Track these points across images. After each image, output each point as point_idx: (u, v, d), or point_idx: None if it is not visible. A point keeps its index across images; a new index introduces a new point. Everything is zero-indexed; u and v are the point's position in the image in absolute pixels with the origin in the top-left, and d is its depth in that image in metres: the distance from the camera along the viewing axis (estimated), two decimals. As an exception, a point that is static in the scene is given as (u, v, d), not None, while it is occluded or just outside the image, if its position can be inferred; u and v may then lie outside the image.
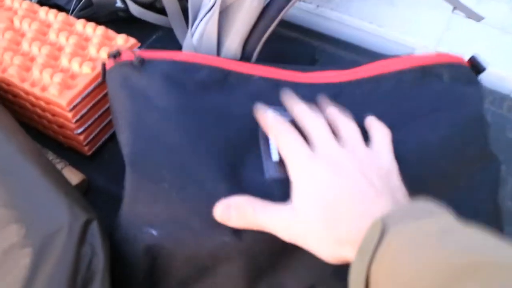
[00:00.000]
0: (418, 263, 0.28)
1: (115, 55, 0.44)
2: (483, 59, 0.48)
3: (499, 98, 0.59)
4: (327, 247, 0.34)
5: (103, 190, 0.51)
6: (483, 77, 0.62)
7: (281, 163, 0.39)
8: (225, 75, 0.45)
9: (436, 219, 0.31)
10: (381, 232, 0.30)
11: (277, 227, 0.35)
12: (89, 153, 0.53)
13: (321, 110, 0.42)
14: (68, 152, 0.54)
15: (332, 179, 0.35)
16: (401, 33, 0.66)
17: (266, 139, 0.41)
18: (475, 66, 0.48)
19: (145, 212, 0.38)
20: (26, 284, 0.34)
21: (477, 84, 0.48)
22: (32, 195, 0.39)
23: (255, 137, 0.42)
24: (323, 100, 0.43)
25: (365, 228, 0.31)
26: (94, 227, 0.38)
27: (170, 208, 0.37)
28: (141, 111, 0.41)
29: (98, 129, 0.52)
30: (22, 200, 0.38)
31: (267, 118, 0.40)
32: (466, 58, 0.48)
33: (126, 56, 0.44)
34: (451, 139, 0.43)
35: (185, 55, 0.46)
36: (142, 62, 0.43)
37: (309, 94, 0.45)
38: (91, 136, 0.52)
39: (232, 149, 0.40)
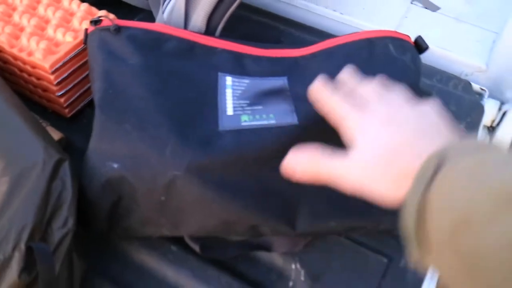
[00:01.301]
0: (475, 188, 0.28)
1: (96, 21, 0.51)
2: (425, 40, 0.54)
3: (446, 77, 0.65)
4: (390, 184, 0.34)
5: (80, 150, 0.56)
6: (436, 59, 0.69)
7: (233, 117, 0.45)
8: (191, 46, 0.52)
9: (491, 152, 0.31)
10: (437, 163, 0.30)
11: (342, 175, 0.36)
12: (69, 115, 0.59)
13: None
14: (51, 115, 0.60)
15: (385, 127, 0.36)
16: (362, 20, 0.72)
17: (224, 98, 0.48)
18: (419, 45, 0.54)
19: (108, 148, 0.44)
20: (2, 208, 0.40)
21: (417, 58, 0.54)
22: (13, 136, 0.45)
23: (214, 98, 0.48)
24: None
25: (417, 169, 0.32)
26: (66, 166, 0.44)
27: (130, 145, 0.43)
28: (113, 65, 0.48)
29: (78, 93, 0.58)
30: (4, 140, 0.44)
31: (322, 91, 0.41)
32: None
33: (105, 23, 0.50)
34: None
35: (156, 25, 0.52)
36: (118, 28, 0.50)
37: (268, 66, 0.52)
38: (71, 100, 0.58)
39: (190, 105, 0.47)
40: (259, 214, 0.44)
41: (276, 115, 0.46)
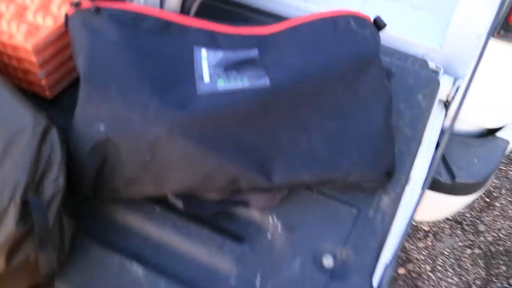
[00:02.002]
0: None
1: (76, 4, 0.54)
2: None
3: (404, 56, 0.71)
4: None
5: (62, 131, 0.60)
6: (394, 42, 0.74)
7: (210, 83, 0.49)
8: (167, 24, 0.56)
9: None
10: None
11: None
12: (51, 97, 0.61)
13: None
14: (31, 98, 0.62)
15: None
16: (324, 7, 0.77)
17: (200, 67, 0.52)
18: (377, 23, 0.60)
19: (94, 112, 0.47)
20: (-4, 168, 0.43)
21: (376, 34, 0.59)
22: (3, 106, 0.47)
23: (191, 68, 0.52)
24: None
25: None
26: (54, 131, 0.47)
27: (115, 108, 0.47)
28: (95, 41, 0.51)
29: (59, 75, 0.61)
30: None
31: None
32: None
33: (85, 5, 0.54)
34: (351, 69, 0.54)
35: (134, 6, 0.56)
36: (98, 9, 0.53)
37: (240, 42, 0.56)
38: (52, 81, 0.60)
39: (169, 73, 0.50)
40: (237, 167, 0.48)
41: (249, 78, 0.50)
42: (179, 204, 0.50)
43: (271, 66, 0.52)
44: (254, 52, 0.54)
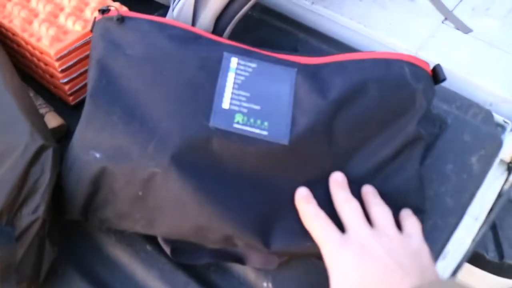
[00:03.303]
0: None
1: (104, 10, 0.51)
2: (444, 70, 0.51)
3: (467, 104, 0.61)
4: None
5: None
6: (459, 85, 0.65)
7: (227, 113, 0.44)
8: (196, 36, 0.50)
9: None
10: None
11: None
12: (73, 103, 0.59)
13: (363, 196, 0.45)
14: (57, 102, 0.60)
15: (359, 263, 0.38)
16: (386, 34, 0.69)
17: (224, 84, 0.46)
18: (436, 74, 0.51)
19: (93, 138, 0.44)
20: (-23, 184, 0.41)
21: (430, 91, 0.50)
22: (2, 118, 0.45)
23: (214, 82, 0.46)
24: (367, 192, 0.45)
25: None
26: (49, 153, 0.45)
27: (114, 137, 0.43)
28: (111, 55, 0.48)
29: (83, 83, 0.58)
30: (-7, 120, 0.45)
31: (307, 207, 0.43)
32: (442, 65, 0.51)
33: (112, 13, 0.50)
34: (390, 122, 0.47)
35: (163, 19, 0.51)
36: (122, 18, 0.49)
37: (274, 62, 0.49)
38: (76, 88, 0.58)
39: (184, 92, 0.45)
40: (233, 225, 0.42)
41: (270, 126, 0.44)
42: (167, 250, 0.45)
43: (301, 108, 0.45)
44: (291, 76, 0.47)
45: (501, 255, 0.56)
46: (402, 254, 0.39)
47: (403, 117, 0.47)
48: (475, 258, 0.58)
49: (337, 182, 0.45)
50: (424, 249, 0.41)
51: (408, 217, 0.44)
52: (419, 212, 0.45)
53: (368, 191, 0.45)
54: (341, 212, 0.43)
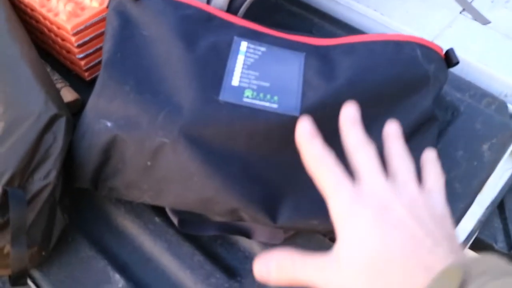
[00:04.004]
0: None
1: None
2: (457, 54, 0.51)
3: (480, 93, 0.61)
4: None
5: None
6: (475, 75, 0.64)
7: (237, 89, 0.45)
8: (210, 17, 0.51)
9: None
10: (460, 283, 0.25)
11: (318, 282, 0.31)
12: (88, 78, 0.60)
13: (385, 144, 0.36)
14: (73, 77, 0.61)
15: (378, 226, 0.30)
16: (402, 23, 0.69)
17: (233, 64, 0.47)
18: (449, 58, 0.51)
19: (105, 107, 0.45)
20: (-8, 149, 0.42)
21: (443, 72, 0.50)
22: (18, 85, 0.46)
23: (224, 62, 0.47)
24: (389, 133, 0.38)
25: (421, 285, 0.27)
26: (62, 121, 0.45)
27: (126, 106, 0.44)
28: (126, 32, 0.48)
29: (99, 59, 0.59)
30: (9, 89, 0.46)
31: (310, 147, 0.34)
32: (458, 54, 0.51)
33: None
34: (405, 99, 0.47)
35: (178, -4, 0.52)
36: None
37: (285, 46, 0.50)
38: (92, 64, 0.59)
39: (194, 68, 0.46)
40: (240, 198, 0.43)
41: (280, 100, 0.45)
42: (175, 221, 0.46)
43: (310, 85, 0.46)
44: (299, 59, 0.48)
45: (510, 245, 0.55)
46: (428, 218, 0.30)
47: (418, 94, 0.47)
48: (483, 248, 0.57)
49: (349, 118, 0.35)
50: (448, 213, 0.32)
51: (432, 165, 0.36)
52: None
53: (391, 131, 0.36)
54: (353, 157, 0.34)
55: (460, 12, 0.72)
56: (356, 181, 0.32)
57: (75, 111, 0.57)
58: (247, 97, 0.44)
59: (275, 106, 0.44)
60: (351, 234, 0.30)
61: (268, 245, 0.46)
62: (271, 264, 0.33)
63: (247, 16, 0.57)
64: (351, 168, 0.33)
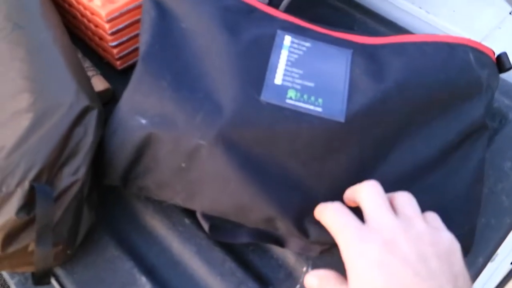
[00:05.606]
0: None
1: None
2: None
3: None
4: None
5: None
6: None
7: (280, 88, 0.42)
8: (251, 9, 0.48)
9: None
10: None
11: None
12: (120, 67, 0.58)
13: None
14: (105, 65, 0.59)
15: (386, 261, 0.31)
16: (448, 22, 0.65)
17: (276, 60, 0.44)
18: (501, 62, 0.48)
19: (140, 102, 0.42)
20: (19, 141, 0.40)
21: (495, 79, 0.47)
22: (49, 74, 0.44)
23: (266, 58, 0.44)
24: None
25: None
26: (93, 114, 0.43)
27: (162, 103, 0.41)
28: (165, 23, 0.46)
29: (132, 47, 0.57)
30: (40, 76, 0.44)
31: (327, 208, 0.37)
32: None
33: None
34: (452, 107, 0.44)
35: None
36: None
37: (330, 43, 0.47)
38: (124, 52, 0.57)
39: (235, 66, 0.43)
40: (277, 206, 0.40)
41: (324, 102, 0.42)
42: (206, 226, 0.44)
43: (357, 87, 0.43)
44: (346, 56, 0.45)
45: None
46: (433, 257, 0.32)
47: (470, 102, 0.44)
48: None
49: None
50: (456, 247, 0.33)
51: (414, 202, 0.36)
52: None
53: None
54: (359, 195, 0.36)
55: (510, 13, 0.68)
56: (365, 218, 0.34)
57: (106, 100, 0.55)
58: (290, 98, 0.42)
59: (319, 109, 0.41)
60: (360, 270, 0.32)
61: (302, 255, 0.44)
62: (318, 279, 0.36)
63: (287, 9, 0.54)
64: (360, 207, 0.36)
